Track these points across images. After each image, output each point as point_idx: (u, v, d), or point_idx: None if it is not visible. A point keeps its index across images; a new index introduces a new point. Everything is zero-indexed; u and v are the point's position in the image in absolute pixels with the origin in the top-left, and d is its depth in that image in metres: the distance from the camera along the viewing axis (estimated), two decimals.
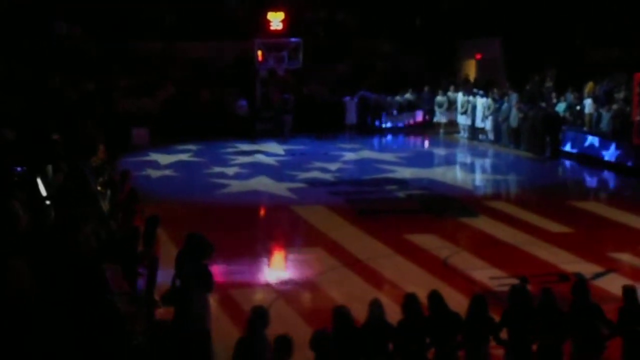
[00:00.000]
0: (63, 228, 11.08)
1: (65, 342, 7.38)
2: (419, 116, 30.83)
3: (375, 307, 8.90)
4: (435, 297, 9.10)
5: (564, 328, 9.23)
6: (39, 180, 14.80)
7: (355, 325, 8.75)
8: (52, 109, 24.28)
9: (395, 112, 30.31)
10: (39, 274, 8.38)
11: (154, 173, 23.03)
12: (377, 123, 30.23)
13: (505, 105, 26.95)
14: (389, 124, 30.35)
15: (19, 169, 14.66)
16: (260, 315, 8.47)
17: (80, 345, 8.03)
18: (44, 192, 14.56)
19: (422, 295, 9.26)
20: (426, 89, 30.74)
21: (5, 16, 28.96)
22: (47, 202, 14.11)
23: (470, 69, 33.57)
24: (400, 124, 30.56)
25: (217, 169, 23.53)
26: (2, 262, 7.31)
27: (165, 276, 12.29)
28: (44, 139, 17.32)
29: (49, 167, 15.76)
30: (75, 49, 29.57)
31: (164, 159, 25.02)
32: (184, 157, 25.54)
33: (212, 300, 10.82)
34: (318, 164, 24.14)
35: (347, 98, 29.62)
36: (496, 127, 27.42)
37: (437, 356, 8.96)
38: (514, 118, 26.40)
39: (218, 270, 11.29)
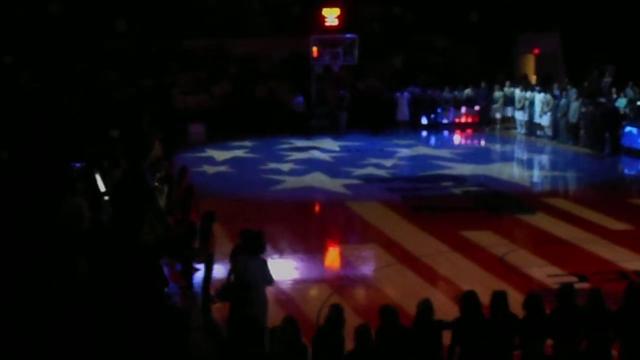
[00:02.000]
0: (121, 224, 11.22)
1: (124, 335, 7.46)
2: (476, 112, 30.50)
3: (424, 307, 8.82)
4: (498, 297, 8.98)
5: (613, 329, 9.03)
6: (97, 177, 15.02)
7: (402, 324, 8.69)
8: (110, 106, 24.64)
9: (451, 107, 30.05)
10: (98, 269, 8.49)
11: (210, 169, 23.19)
12: (432, 119, 30.01)
13: (563, 101, 26.54)
14: (444, 120, 30.10)
15: (77, 165, 14.89)
16: (339, 312, 8.55)
17: (138, 338, 8.12)
18: (102, 188, 14.77)
19: (479, 293, 9.16)
20: (482, 84, 30.43)
21: (66, 14, 29.44)
22: (105, 198, 14.32)
23: (528, 64, 33.12)
24: (457, 120, 30.29)
25: (272, 165, 23.59)
26: (66, 260, 7.43)
27: (221, 271, 12.41)
28: (102, 136, 17.57)
29: (107, 164, 15.98)
30: (134, 47, 29.92)
31: (219, 155, 25.18)
32: (239, 153, 25.66)
33: (268, 296, 10.82)
34: (373, 160, 24.06)
35: (399, 94, 29.45)
36: (554, 123, 27.02)
37: (492, 356, 8.84)
38: (573, 114, 25.98)
39: (273, 266, 11.29)
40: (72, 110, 19.88)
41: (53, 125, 16.94)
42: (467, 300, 8.88)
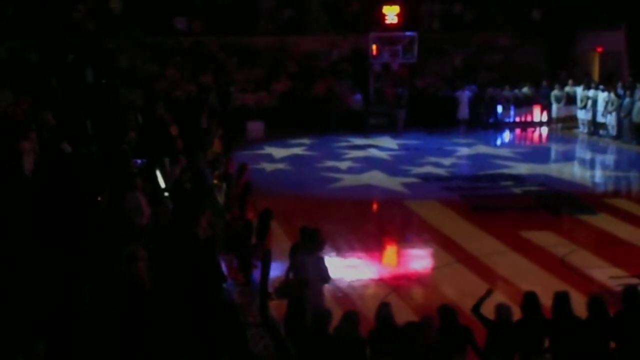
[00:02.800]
0: (181, 220, 11.33)
1: (183, 331, 7.53)
2: (537, 110, 30.10)
3: (504, 311, 8.75)
4: (561, 298, 8.86)
5: None
6: (157, 173, 15.19)
7: (460, 323, 8.64)
8: (170, 102, 24.89)
9: (512, 106, 29.72)
10: (158, 265, 8.59)
11: (269, 166, 23.29)
12: (492, 118, 29.73)
13: (627, 100, 26.03)
14: (505, 119, 29.78)
15: (139, 161, 15.07)
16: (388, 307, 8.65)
17: (196, 333, 8.18)
18: (162, 185, 14.94)
19: (539, 294, 9.05)
20: (544, 82, 30.02)
21: (127, 12, 29.86)
22: (166, 195, 14.48)
23: (591, 62, 32.56)
24: (517, 119, 29.95)
25: (330, 163, 23.60)
26: (127, 255, 7.53)
27: (278, 269, 12.45)
28: (163, 132, 17.75)
29: (167, 160, 16.16)
30: (195, 44, 30.22)
31: (278, 152, 25.28)
32: (297, 150, 25.74)
33: (326, 294, 10.83)
34: (432, 159, 23.92)
35: (459, 92, 29.23)
36: (618, 122, 26.53)
37: (555, 358, 8.72)
38: (637, 113, 25.46)
39: (331, 264, 11.30)
40: (135, 107, 20.11)
41: (115, 122, 17.16)
42: (528, 301, 8.78)
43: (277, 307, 11.77)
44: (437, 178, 21.63)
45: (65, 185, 10.83)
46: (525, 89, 29.89)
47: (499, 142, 27.76)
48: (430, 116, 28.78)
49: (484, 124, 29.42)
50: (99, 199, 11.72)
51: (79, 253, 8.38)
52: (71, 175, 11.12)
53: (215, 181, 16.79)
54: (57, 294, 7.65)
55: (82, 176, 11.31)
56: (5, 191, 11.26)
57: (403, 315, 9.00)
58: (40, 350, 6.49)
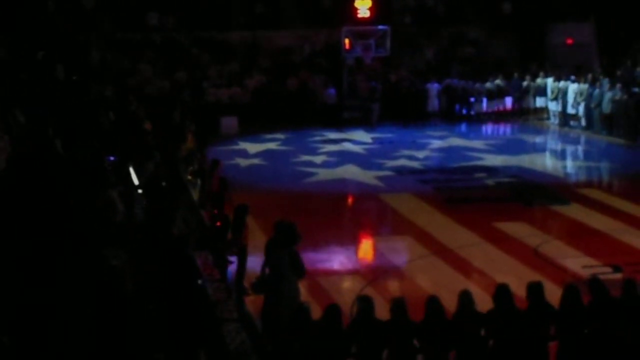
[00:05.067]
0: (155, 217, 11.31)
1: (158, 326, 7.53)
2: (508, 103, 30.28)
3: (465, 298, 8.81)
4: (535, 288, 8.95)
5: None
6: (130, 170, 15.12)
7: (445, 315, 8.71)
8: (143, 98, 24.78)
9: (483, 98, 29.87)
10: (133, 262, 8.58)
11: (243, 162, 23.26)
12: (464, 110, 29.88)
13: (597, 91, 26.26)
14: (476, 111, 29.93)
15: (112, 158, 14.99)
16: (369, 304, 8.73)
17: (172, 330, 8.18)
18: (136, 181, 14.87)
19: (513, 285, 9.14)
20: (515, 74, 30.21)
21: (99, 7, 29.67)
22: (139, 191, 14.42)
23: (560, 54, 32.77)
24: (489, 111, 30.11)
25: (305, 158, 23.62)
26: (99, 253, 7.51)
27: (254, 264, 12.45)
28: (136, 128, 17.68)
29: (141, 156, 16.08)
30: (167, 39, 30.10)
31: (252, 147, 25.25)
32: (272, 145, 25.72)
33: (301, 288, 10.85)
34: (406, 152, 24.00)
35: (429, 85, 29.37)
36: (588, 113, 26.76)
37: (528, 348, 8.80)
38: (607, 104, 25.71)
39: (307, 258, 11.32)
40: (106, 104, 20.01)
41: (88, 119, 17.06)
42: (501, 293, 8.86)
43: (253, 303, 11.79)
44: (411, 171, 21.72)
45: (37, 183, 10.76)
46: (497, 81, 30.05)
47: (471, 134, 27.91)
48: (404, 109, 28.87)
49: (456, 116, 29.56)
50: (72, 196, 11.67)
51: (53, 251, 8.35)
52: (44, 173, 11.04)
53: (189, 177, 16.79)
54: (32, 292, 7.62)
55: (55, 174, 11.24)
56: None
57: (378, 308, 9.01)
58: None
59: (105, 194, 11.17)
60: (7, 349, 6.43)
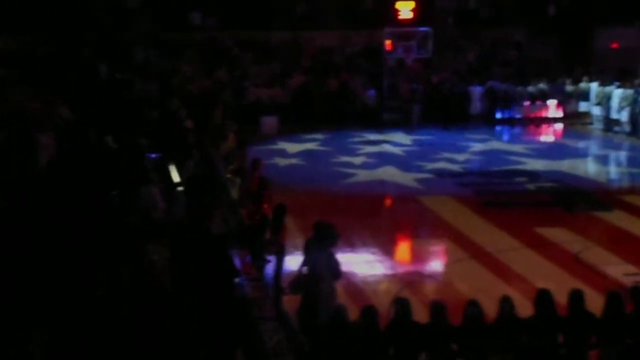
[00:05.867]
0: (195, 215, 11.34)
1: (196, 325, 7.56)
2: (551, 107, 29.98)
3: (506, 303, 8.74)
4: (576, 295, 8.84)
5: None
6: (172, 167, 15.21)
7: (485, 320, 8.64)
8: (184, 97, 24.94)
9: (526, 102, 29.61)
10: (173, 259, 8.62)
11: (282, 161, 23.31)
12: (506, 113, 29.63)
13: None
14: (518, 115, 29.68)
15: (153, 155, 15.11)
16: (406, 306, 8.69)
17: (209, 328, 8.20)
18: (176, 179, 14.96)
19: (552, 291, 9.03)
20: (559, 78, 29.89)
21: (143, 7, 29.94)
22: (179, 189, 14.50)
23: (606, 58, 32.38)
24: (531, 115, 29.83)
25: (344, 158, 23.60)
26: (141, 249, 7.57)
27: (292, 264, 12.46)
28: (178, 127, 17.78)
29: (182, 154, 16.17)
30: (209, 39, 30.27)
31: (291, 147, 25.29)
32: (311, 146, 25.73)
33: (338, 288, 10.85)
34: (446, 155, 23.87)
35: (472, 87, 29.17)
36: (632, 118, 26.39)
37: (568, 355, 8.70)
38: None
39: (344, 259, 11.32)
40: (149, 102, 20.18)
41: (131, 117, 17.21)
42: (542, 298, 8.77)
43: (290, 302, 11.79)
44: (451, 174, 21.60)
45: (80, 179, 10.87)
46: (541, 85, 29.76)
47: (513, 138, 27.67)
48: (444, 112, 28.72)
49: (497, 120, 29.33)
50: (114, 193, 11.77)
51: (94, 247, 8.42)
52: (87, 169, 11.16)
53: (229, 176, 16.83)
54: (72, 288, 7.68)
55: (98, 170, 11.35)
56: (19, 185, 11.31)
57: (415, 311, 8.97)
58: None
59: (146, 191, 11.25)
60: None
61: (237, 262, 12.27)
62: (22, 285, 7.56)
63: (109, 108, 16.94)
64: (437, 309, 8.63)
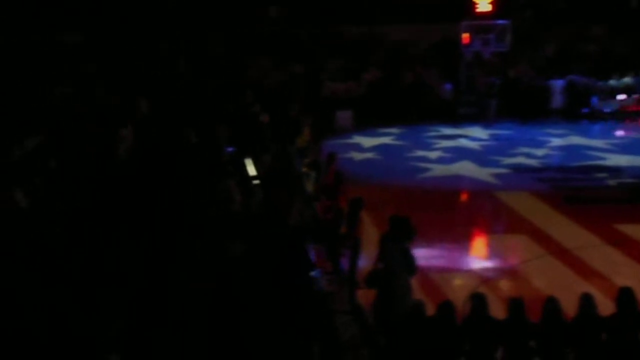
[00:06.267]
0: (271, 208, 11.42)
1: (272, 317, 7.59)
2: (635, 101, 29.21)
3: (587, 301, 8.56)
4: None
5: None
6: (248, 161, 15.35)
7: (564, 317, 8.49)
8: (260, 91, 25.13)
9: (607, 96, 28.92)
10: (249, 252, 8.68)
11: (357, 156, 23.26)
12: (586, 108, 29.00)
13: None
14: (600, 109, 29.01)
15: (229, 149, 15.26)
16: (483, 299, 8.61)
17: (284, 321, 8.23)
18: (252, 173, 15.09)
19: (635, 289, 8.82)
20: None
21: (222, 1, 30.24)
22: (255, 182, 14.62)
23: None
24: (613, 109, 29.13)
25: (420, 153, 23.43)
26: (219, 243, 7.64)
27: (366, 258, 12.43)
28: (254, 121, 17.92)
29: (258, 148, 16.31)
30: (286, 32, 30.40)
31: (367, 141, 25.22)
32: (386, 140, 25.62)
33: (414, 283, 10.78)
34: (523, 149, 23.48)
35: (553, 81, 28.60)
36: None
37: None
38: None
39: (420, 254, 11.25)
40: (226, 96, 20.39)
41: (208, 111, 17.42)
42: (624, 296, 8.56)
43: (365, 296, 11.76)
44: (529, 169, 21.24)
45: (159, 171, 11.04)
46: (626, 79, 29.01)
47: (593, 133, 27.06)
48: (522, 106, 28.25)
49: (577, 114, 28.72)
50: (191, 186, 11.91)
51: (172, 239, 8.53)
52: (165, 162, 11.33)
53: (304, 169, 16.88)
54: (150, 279, 7.80)
55: (176, 163, 11.52)
56: (100, 177, 11.54)
57: (492, 308, 8.86)
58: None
59: (223, 184, 11.37)
60: None
61: (312, 255, 12.32)
62: (103, 276, 7.71)
63: (187, 102, 17.18)
64: (516, 305, 8.50)
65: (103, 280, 7.64)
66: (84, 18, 27.62)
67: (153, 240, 8.34)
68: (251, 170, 15.15)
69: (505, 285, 13.37)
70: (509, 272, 13.87)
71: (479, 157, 22.71)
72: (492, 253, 15.33)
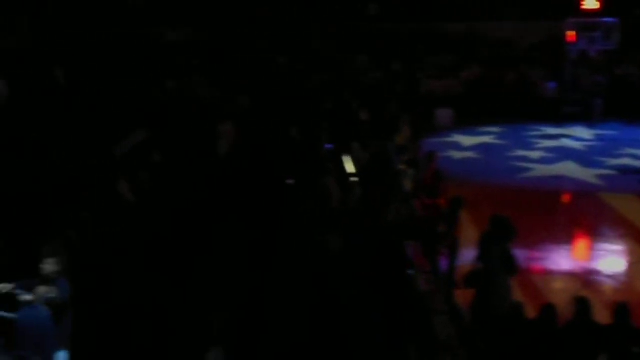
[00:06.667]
0: (369, 205, 11.40)
1: (369, 315, 7.57)
2: None
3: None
4: None
5: None
6: (346, 158, 15.37)
7: None
8: (359, 88, 25.15)
9: None
10: (347, 248, 8.69)
11: (456, 154, 23.01)
12: None
13: None
14: None
15: (328, 146, 15.31)
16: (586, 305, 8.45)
17: (383, 319, 8.20)
18: (350, 170, 15.10)
19: None
20: None
21: None
22: (354, 180, 14.62)
23: None
24: None
25: (521, 153, 23.00)
26: (319, 239, 7.67)
27: (465, 257, 12.28)
28: (353, 118, 17.93)
29: (356, 145, 16.29)
30: (385, 30, 30.33)
31: (466, 140, 24.91)
32: (487, 139, 25.25)
33: (513, 285, 10.59)
34: (630, 151, 22.77)
35: None
36: None
37: None
38: None
39: (521, 255, 11.04)
40: (325, 93, 20.48)
41: (308, 107, 17.52)
42: None
43: (462, 296, 11.62)
44: (636, 170, 20.60)
45: (259, 167, 11.16)
46: None
47: None
48: (630, 105, 27.40)
49: None
50: (290, 181, 12.00)
51: (272, 234, 8.61)
52: (266, 158, 11.44)
53: (402, 167, 16.79)
54: (251, 273, 7.87)
55: (277, 159, 11.62)
56: (202, 172, 11.73)
57: (596, 312, 8.63)
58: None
59: (322, 181, 11.41)
60: None
61: (409, 253, 12.25)
62: (206, 269, 7.83)
63: (287, 98, 17.31)
64: (621, 309, 8.26)
65: (206, 273, 7.75)
66: (189, 15, 28.20)
67: (254, 235, 8.42)
68: (349, 167, 15.16)
69: (608, 289, 13.02)
70: (613, 276, 13.50)
71: (583, 157, 22.15)
72: (595, 256, 14.94)
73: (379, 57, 29.37)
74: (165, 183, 11.77)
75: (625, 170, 20.60)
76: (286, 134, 14.22)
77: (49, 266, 7.58)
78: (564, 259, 14.36)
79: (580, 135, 25.30)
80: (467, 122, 26.83)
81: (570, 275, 13.48)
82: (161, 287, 7.66)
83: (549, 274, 13.46)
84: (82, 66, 21.17)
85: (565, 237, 15.69)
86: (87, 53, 23.51)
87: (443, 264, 12.79)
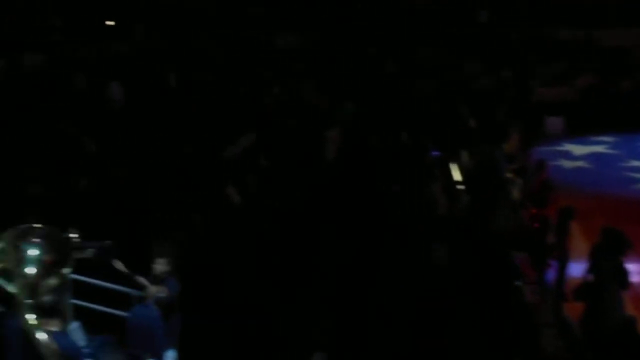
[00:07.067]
0: (477, 213, 11.26)
1: (475, 326, 7.47)
2: None
3: None
4: None
5: None
6: (452, 165, 15.21)
7: None
8: (468, 95, 24.90)
9: None
10: (453, 256, 8.60)
11: (567, 164, 22.48)
12: None
13: None
14: None
15: (435, 153, 15.20)
16: None
17: (487, 330, 8.08)
18: (457, 177, 14.94)
19: None
20: None
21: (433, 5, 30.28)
22: (460, 187, 14.46)
23: None
24: None
25: (635, 163, 22.28)
26: (425, 247, 7.62)
27: (574, 269, 11.97)
28: (460, 125, 17.75)
29: (464, 153, 16.12)
30: (495, 36, 29.94)
31: (577, 149, 24.30)
32: (599, 148, 24.57)
33: (625, 299, 10.26)
34: None
35: None
36: None
37: None
38: None
39: (634, 269, 10.67)
40: (431, 100, 20.36)
41: (416, 114, 17.45)
42: None
43: (571, 309, 11.34)
44: None
45: (365, 173, 11.17)
46: None
47: None
48: None
49: None
50: (395, 188, 11.96)
51: (378, 241, 8.60)
52: (372, 164, 11.45)
53: (510, 175, 16.53)
54: (356, 280, 7.87)
55: (383, 165, 11.61)
56: (308, 177, 11.81)
57: None
58: None
59: (429, 188, 11.33)
60: None
61: (517, 263, 12.04)
62: (310, 274, 7.87)
63: (395, 104, 17.28)
64: None
65: (310, 279, 7.80)
66: (299, 20, 28.50)
67: (359, 241, 8.43)
68: (456, 174, 15.00)
69: None
70: None
71: None
72: None
73: (489, 63, 29.01)
74: (272, 188, 11.90)
75: None
76: (396, 139, 14.18)
77: (160, 266, 7.76)
78: None
79: None
80: (579, 130, 26.16)
81: None
82: (268, 290, 7.75)
83: None
84: (194, 71, 21.66)
85: None
86: (198, 58, 24.04)
87: (550, 275, 12.51)
